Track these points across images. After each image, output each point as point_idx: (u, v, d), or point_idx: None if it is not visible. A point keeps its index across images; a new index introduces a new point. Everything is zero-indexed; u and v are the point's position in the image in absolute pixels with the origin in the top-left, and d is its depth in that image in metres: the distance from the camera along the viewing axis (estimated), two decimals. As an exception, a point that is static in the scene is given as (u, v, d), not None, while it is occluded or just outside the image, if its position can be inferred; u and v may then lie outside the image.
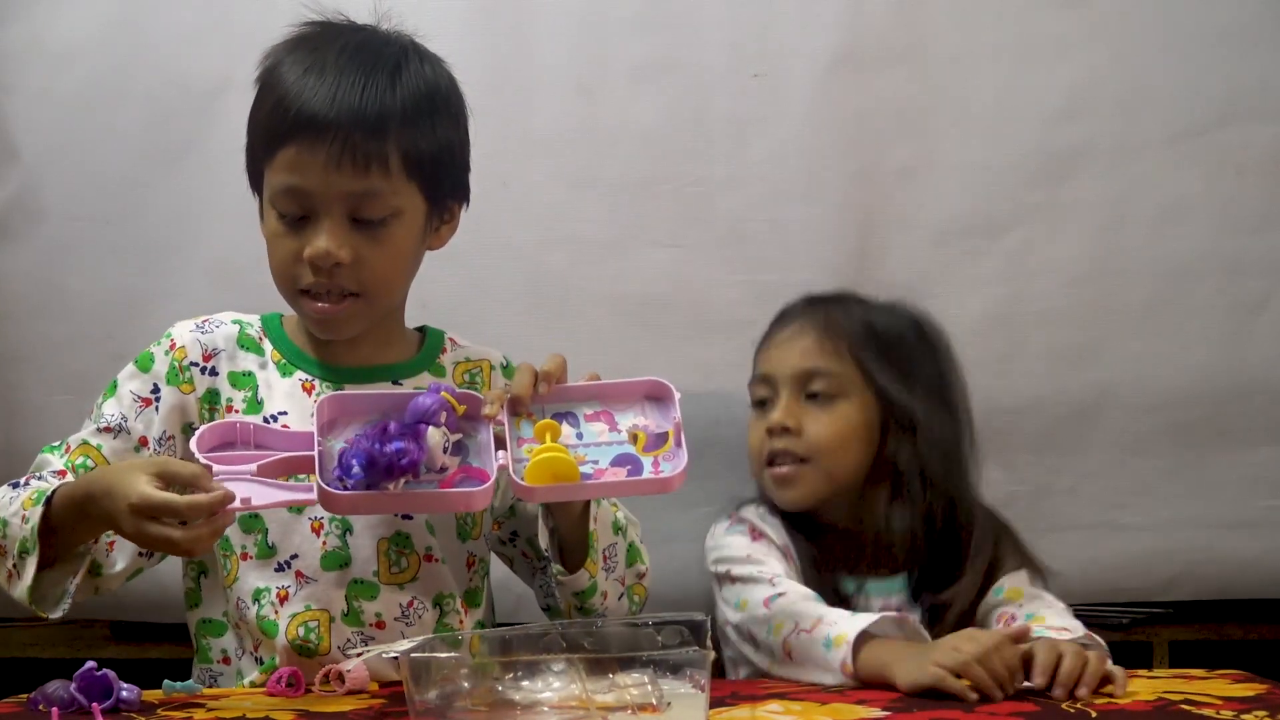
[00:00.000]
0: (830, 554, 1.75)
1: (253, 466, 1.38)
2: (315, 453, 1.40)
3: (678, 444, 1.46)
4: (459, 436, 1.44)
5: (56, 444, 1.59)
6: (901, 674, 1.45)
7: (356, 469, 1.37)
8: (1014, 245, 2.26)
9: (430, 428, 1.40)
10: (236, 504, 1.34)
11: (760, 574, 1.68)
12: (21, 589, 1.43)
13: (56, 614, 1.46)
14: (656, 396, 1.51)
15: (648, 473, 1.45)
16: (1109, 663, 1.46)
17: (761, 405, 1.81)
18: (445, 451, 1.41)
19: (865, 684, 1.49)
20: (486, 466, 1.43)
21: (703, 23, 2.27)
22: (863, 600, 1.72)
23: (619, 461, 1.46)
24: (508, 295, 2.26)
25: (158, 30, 2.25)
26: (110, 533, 1.47)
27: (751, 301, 2.27)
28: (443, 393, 1.42)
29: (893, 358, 1.78)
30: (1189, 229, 2.27)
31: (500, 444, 1.44)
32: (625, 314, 2.27)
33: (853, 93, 2.27)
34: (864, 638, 1.51)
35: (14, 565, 1.44)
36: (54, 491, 1.43)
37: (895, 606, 1.70)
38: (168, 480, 1.34)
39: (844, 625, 1.53)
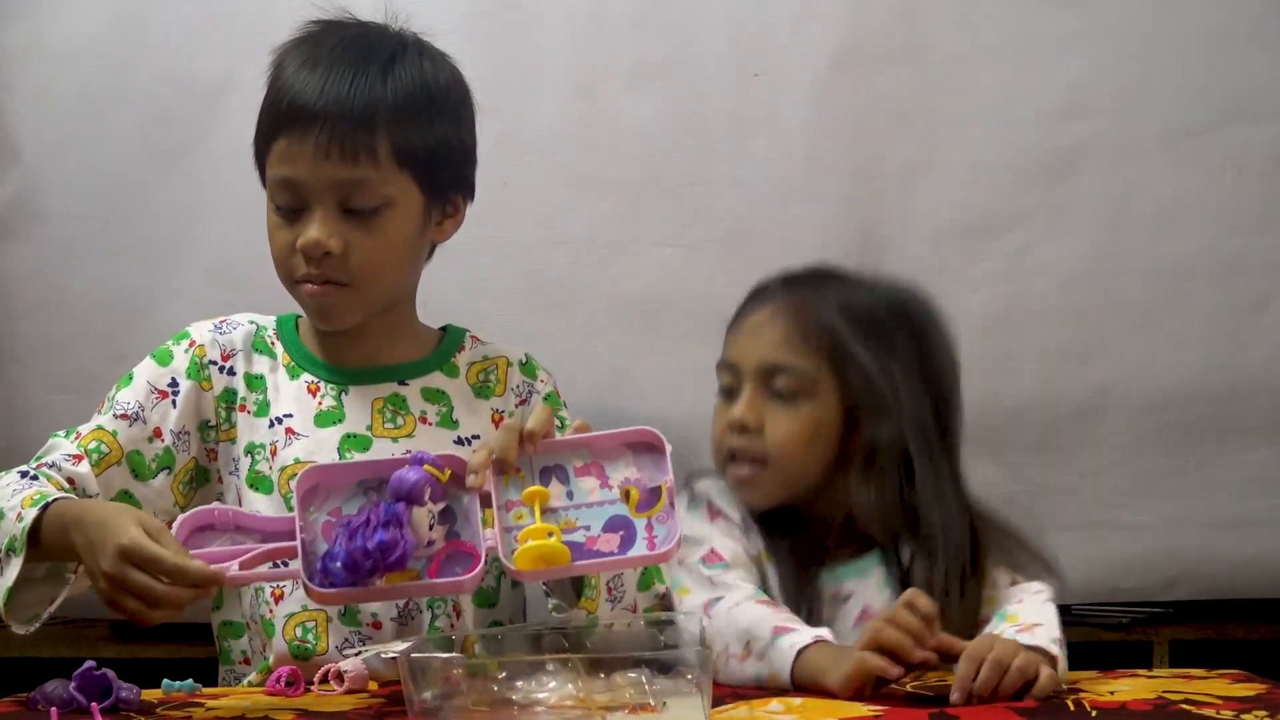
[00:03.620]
0: (797, 538, 1.72)
1: (234, 565, 1.35)
2: (297, 543, 1.37)
3: (671, 504, 1.43)
4: (444, 505, 1.40)
5: (63, 431, 1.59)
6: (834, 680, 1.44)
7: (337, 568, 1.34)
8: (1014, 245, 2.26)
9: (415, 507, 1.36)
10: (225, 575, 1.32)
11: (704, 571, 1.65)
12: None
13: (20, 631, 1.43)
14: (647, 446, 1.46)
15: (640, 541, 1.41)
16: (1040, 667, 1.43)
17: (727, 394, 1.76)
18: (431, 527, 1.38)
19: (802, 691, 1.48)
20: (474, 539, 1.40)
21: (703, 23, 2.27)
22: (833, 584, 1.70)
23: (611, 526, 1.42)
24: (508, 295, 2.26)
25: (158, 30, 2.25)
26: None
27: (751, 301, 2.27)
28: (425, 465, 1.38)
29: (868, 343, 1.71)
30: (1189, 229, 2.27)
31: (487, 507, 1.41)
32: (625, 314, 2.27)
33: (853, 93, 2.26)
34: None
35: None
36: (53, 500, 1.42)
37: (867, 588, 1.69)
38: (152, 537, 1.32)
39: (775, 663, 1.51)
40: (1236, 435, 2.28)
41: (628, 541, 1.41)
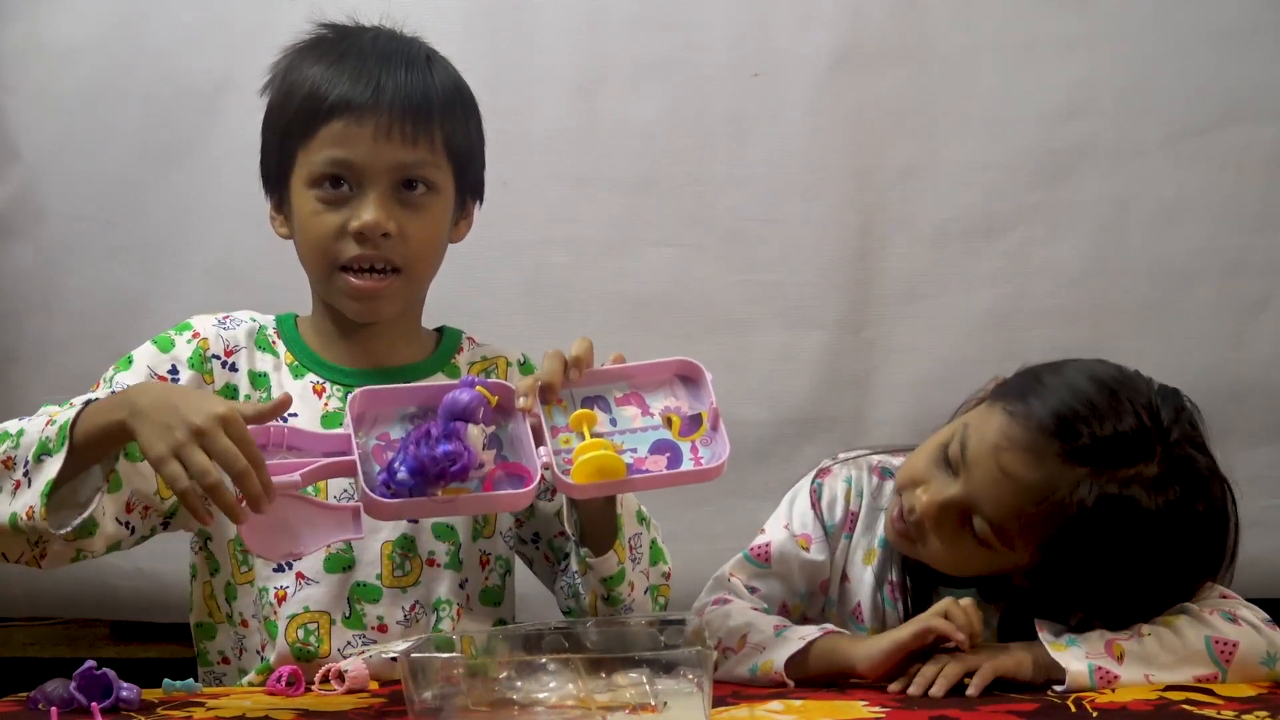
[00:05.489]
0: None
1: (296, 477, 1.34)
2: (355, 457, 1.37)
3: (713, 428, 1.44)
4: (492, 429, 1.41)
5: (56, 405, 1.57)
6: (861, 655, 1.46)
7: (404, 475, 1.34)
8: (1014, 245, 2.26)
9: (470, 425, 1.37)
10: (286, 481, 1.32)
11: (743, 563, 1.66)
12: (32, 495, 1.35)
13: (65, 529, 1.37)
14: (686, 376, 1.48)
15: (688, 461, 1.43)
16: (988, 664, 1.43)
17: (946, 464, 1.53)
18: (483, 448, 1.38)
19: (812, 682, 1.48)
20: (523, 460, 1.41)
21: (703, 23, 2.28)
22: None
23: (657, 449, 1.44)
24: (508, 295, 2.26)
25: (158, 30, 2.25)
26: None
27: (751, 301, 2.28)
28: (477, 387, 1.39)
29: (1114, 553, 1.47)
30: (1189, 229, 2.27)
31: (537, 436, 1.42)
32: (625, 314, 2.27)
33: (853, 93, 2.27)
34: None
35: (25, 474, 1.37)
36: (91, 399, 1.40)
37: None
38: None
39: (771, 652, 1.50)
40: (1236, 435, 2.28)
41: (674, 462, 1.43)
